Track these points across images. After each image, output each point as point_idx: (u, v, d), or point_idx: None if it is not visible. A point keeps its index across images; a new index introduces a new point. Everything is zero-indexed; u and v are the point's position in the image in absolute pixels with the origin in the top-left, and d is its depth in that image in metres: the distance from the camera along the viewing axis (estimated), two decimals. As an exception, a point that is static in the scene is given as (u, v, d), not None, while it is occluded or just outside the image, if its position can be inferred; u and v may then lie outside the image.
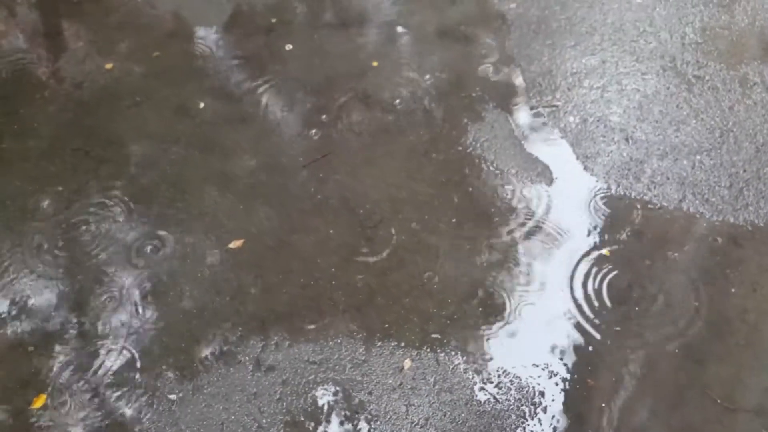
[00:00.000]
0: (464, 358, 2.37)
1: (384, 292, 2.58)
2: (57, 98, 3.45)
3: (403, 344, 2.41)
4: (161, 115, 3.33)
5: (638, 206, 2.87)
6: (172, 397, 2.27)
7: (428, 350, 2.40)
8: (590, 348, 2.41)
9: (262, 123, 3.30)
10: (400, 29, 3.85)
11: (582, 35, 3.78)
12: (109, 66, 3.62)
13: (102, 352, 2.42)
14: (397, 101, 3.40)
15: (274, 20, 3.89)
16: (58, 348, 2.44)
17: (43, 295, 2.60)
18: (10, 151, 3.17)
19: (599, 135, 3.19)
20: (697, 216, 2.83)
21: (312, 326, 2.48)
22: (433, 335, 2.44)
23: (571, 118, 3.28)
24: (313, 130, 3.26)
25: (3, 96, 3.48)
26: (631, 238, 2.77)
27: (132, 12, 4.01)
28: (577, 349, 2.41)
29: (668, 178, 2.98)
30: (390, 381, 2.32)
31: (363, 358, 2.38)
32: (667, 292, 2.59)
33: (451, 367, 2.35)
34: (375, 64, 3.61)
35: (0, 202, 2.93)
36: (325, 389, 2.30)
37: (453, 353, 2.38)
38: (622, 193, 2.93)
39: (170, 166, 3.07)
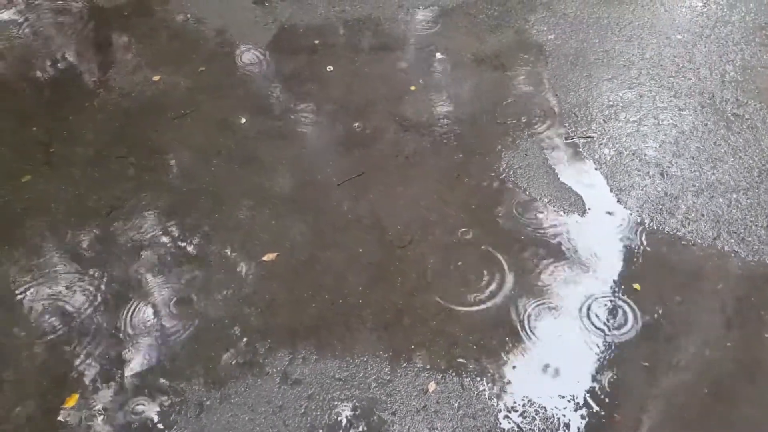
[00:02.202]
0: (489, 384, 2.37)
1: (411, 313, 2.60)
2: (105, 107, 3.59)
3: (428, 366, 2.42)
4: (204, 129, 3.44)
5: (671, 242, 2.85)
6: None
7: (453, 374, 2.40)
8: (617, 382, 2.38)
9: (300, 140, 3.38)
10: (438, 55, 3.92)
11: (619, 68, 3.80)
12: (156, 78, 3.76)
13: (133, 356, 2.48)
14: (433, 125, 3.45)
15: (317, 42, 4.01)
16: (91, 350, 2.51)
17: (80, 297, 2.68)
18: (58, 156, 3.30)
19: (634, 168, 3.19)
20: (732, 255, 2.80)
21: (339, 342, 2.51)
22: (459, 359, 2.44)
23: (606, 150, 3.29)
24: (349, 150, 3.33)
25: (54, 103, 3.63)
26: (663, 273, 2.74)
27: (180, 27, 4.17)
28: (604, 382, 2.38)
29: (703, 215, 2.96)
30: (414, 403, 2.33)
31: (388, 377, 2.40)
32: (698, 330, 2.55)
33: (475, 392, 2.35)
34: (413, 88, 3.68)
35: (44, 205, 3.05)
36: (350, 407, 2.31)
37: (478, 379, 2.38)
38: (655, 227, 2.91)
39: (210, 178, 3.16)
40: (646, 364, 2.44)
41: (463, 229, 2.91)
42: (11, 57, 3.98)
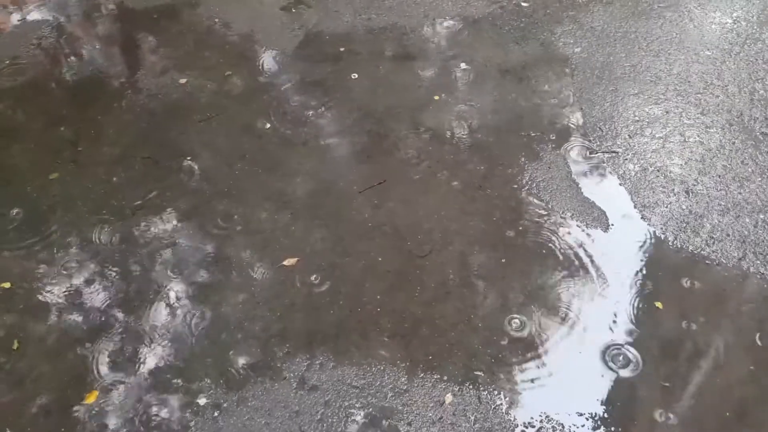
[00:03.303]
0: (506, 398, 2.35)
1: (429, 323, 2.59)
2: (132, 108, 3.64)
3: (445, 378, 2.41)
4: (229, 132, 3.47)
5: (695, 261, 2.81)
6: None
7: (470, 387, 2.39)
8: (637, 402, 2.35)
9: (323, 147, 3.40)
10: (463, 65, 3.92)
11: (646, 84, 3.77)
12: (183, 81, 3.80)
13: (152, 355, 2.50)
14: (456, 135, 3.45)
15: (342, 49, 4.03)
16: (111, 347, 2.53)
17: (102, 295, 2.72)
18: (85, 155, 3.36)
19: (659, 185, 3.15)
20: (758, 276, 2.75)
21: (357, 350, 2.51)
22: (477, 372, 2.43)
23: (631, 166, 3.26)
24: (371, 158, 3.33)
25: (83, 103, 3.69)
26: (686, 292, 2.71)
27: (208, 31, 4.22)
28: (622, 401, 2.35)
29: (728, 235, 2.91)
30: (430, 414, 2.32)
31: (405, 387, 2.39)
32: (720, 351, 2.51)
33: (492, 406, 2.33)
34: (436, 97, 3.68)
35: (71, 202, 3.10)
36: (366, 415, 2.31)
37: (495, 392, 2.37)
38: (679, 246, 2.87)
39: (233, 181, 3.19)
40: (667, 384, 2.40)
41: (483, 241, 2.90)
42: (41, 57, 4.06)
